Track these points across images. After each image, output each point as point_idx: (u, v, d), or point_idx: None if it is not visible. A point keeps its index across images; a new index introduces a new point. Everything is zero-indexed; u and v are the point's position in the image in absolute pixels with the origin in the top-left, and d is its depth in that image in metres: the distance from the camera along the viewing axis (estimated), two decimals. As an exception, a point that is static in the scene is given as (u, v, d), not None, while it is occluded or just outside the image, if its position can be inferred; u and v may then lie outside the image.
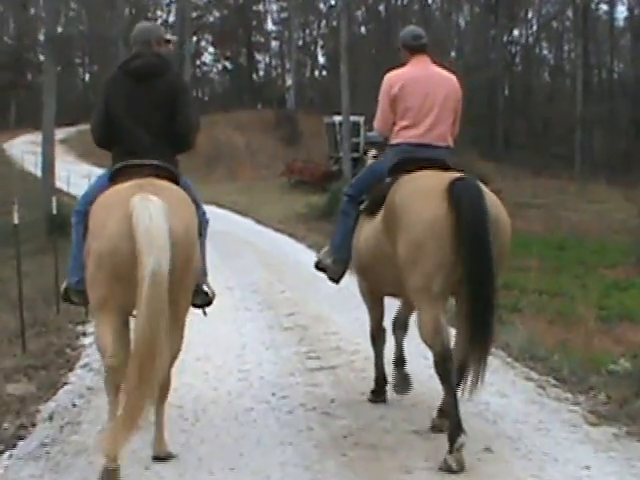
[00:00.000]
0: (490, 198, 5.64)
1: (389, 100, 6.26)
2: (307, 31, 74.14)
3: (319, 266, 7.23)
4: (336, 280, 7.15)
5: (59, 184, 34.44)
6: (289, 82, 65.52)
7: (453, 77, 6.41)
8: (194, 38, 73.90)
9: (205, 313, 6.50)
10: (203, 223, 6.06)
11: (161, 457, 5.69)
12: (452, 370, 5.58)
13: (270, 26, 76.29)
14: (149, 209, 5.00)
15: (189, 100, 6.02)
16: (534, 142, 56.58)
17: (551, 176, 45.95)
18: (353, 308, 11.13)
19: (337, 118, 39.10)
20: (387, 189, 5.98)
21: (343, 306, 11.60)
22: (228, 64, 76.38)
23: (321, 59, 75.52)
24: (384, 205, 5.95)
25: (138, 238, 4.91)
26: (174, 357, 5.65)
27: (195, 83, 75.63)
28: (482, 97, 55.27)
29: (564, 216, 35.53)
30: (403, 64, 6.43)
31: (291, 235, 22.07)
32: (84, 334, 10.27)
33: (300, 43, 69.32)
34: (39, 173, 36.97)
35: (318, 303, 11.93)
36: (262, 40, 76.13)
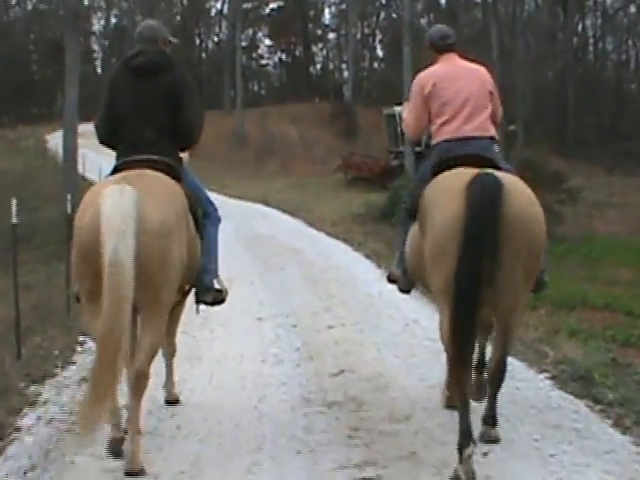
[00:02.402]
0: (513, 194, 5.20)
1: (422, 100, 6.06)
2: (365, 23, 70.50)
3: (391, 278, 6.79)
4: (406, 291, 6.80)
5: (94, 177, 31.46)
6: (346, 74, 62.23)
7: (482, 68, 6.23)
8: (250, 31, 70.96)
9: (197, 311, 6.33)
10: (213, 220, 6.09)
11: (135, 472, 5.04)
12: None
13: (327, 18, 73.29)
14: (115, 199, 4.88)
15: (193, 97, 5.94)
16: (604, 138, 52.36)
17: (625, 173, 41.98)
18: (431, 361, 7.64)
19: (398, 109, 35.27)
20: (423, 191, 5.74)
21: (414, 357, 8.06)
22: (284, 56, 73.28)
23: (380, 52, 72.16)
24: (418, 207, 5.75)
25: (101, 227, 4.82)
26: (151, 353, 5.23)
27: (251, 76, 72.86)
28: (550, 90, 51.45)
29: (648, 217, 31.81)
30: (432, 63, 6.26)
31: (346, 241, 18.39)
32: (33, 403, 6.76)
33: (358, 36, 65.62)
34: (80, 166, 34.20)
35: (378, 350, 8.34)
36: (319, 32, 73.00)
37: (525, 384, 7.06)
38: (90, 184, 27.67)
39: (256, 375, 7.41)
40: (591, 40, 62.62)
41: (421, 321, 9.66)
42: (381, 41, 71.45)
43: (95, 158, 33.45)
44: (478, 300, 4.96)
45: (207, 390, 7.04)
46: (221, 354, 8.20)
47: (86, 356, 8.26)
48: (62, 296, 12.10)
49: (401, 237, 6.38)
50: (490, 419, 5.59)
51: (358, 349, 8.35)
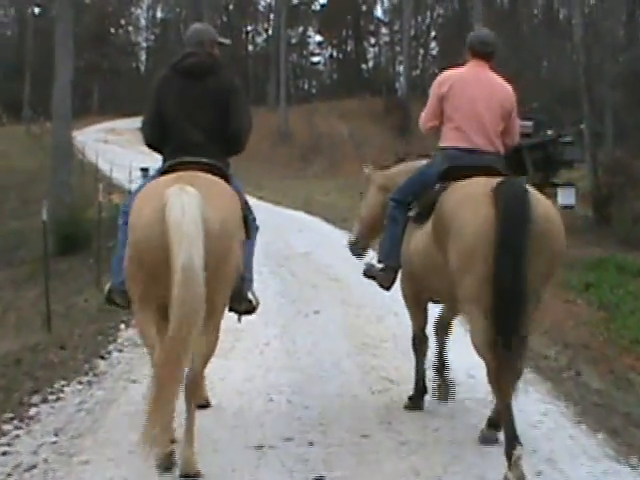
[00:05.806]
0: (539, 201, 5.05)
1: (437, 99, 5.90)
2: (419, 19, 65.62)
3: (367, 274, 6.48)
4: (387, 287, 6.25)
5: (119, 177, 27.28)
6: (399, 69, 57.57)
7: (507, 86, 5.91)
8: (300, 28, 66.61)
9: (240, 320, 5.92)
10: (252, 230, 5.71)
11: (190, 475, 4.70)
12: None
13: (380, 14, 68.69)
14: (182, 200, 4.57)
15: (241, 101, 5.67)
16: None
17: None
18: None
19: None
20: (436, 197, 5.50)
21: None
22: (335, 53, 68.84)
23: (434, 48, 67.23)
24: (433, 214, 5.47)
25: (169, 231, 4.48)
26: (207, 357, 4.98)
27: (302, 74, 68.77)
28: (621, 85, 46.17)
29: None
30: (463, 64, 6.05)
31: (404, 264, 13.54)
32: None
33: (412, 32, 60.71)
34: (102, 165, 30.10)
35: None
36: (371, 28, 68.38)
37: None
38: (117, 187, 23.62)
39: None
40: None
41: (559, 462, 4.94)
42: (435, 38, 66.67)
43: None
44: (525, 303, 4.70)
45: None
46: None
47: None
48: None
49: (390, 235, 6.09)
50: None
51: None
